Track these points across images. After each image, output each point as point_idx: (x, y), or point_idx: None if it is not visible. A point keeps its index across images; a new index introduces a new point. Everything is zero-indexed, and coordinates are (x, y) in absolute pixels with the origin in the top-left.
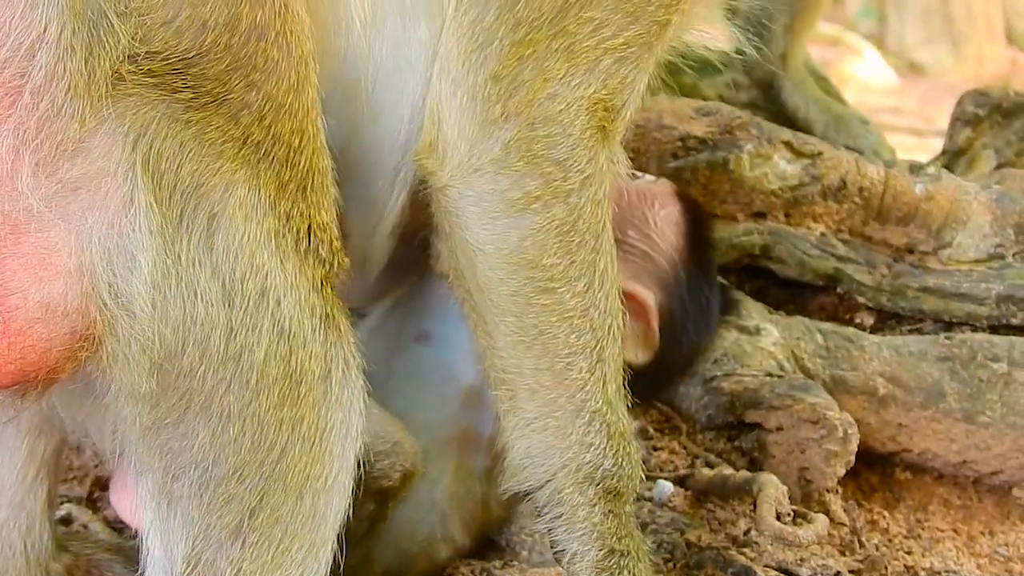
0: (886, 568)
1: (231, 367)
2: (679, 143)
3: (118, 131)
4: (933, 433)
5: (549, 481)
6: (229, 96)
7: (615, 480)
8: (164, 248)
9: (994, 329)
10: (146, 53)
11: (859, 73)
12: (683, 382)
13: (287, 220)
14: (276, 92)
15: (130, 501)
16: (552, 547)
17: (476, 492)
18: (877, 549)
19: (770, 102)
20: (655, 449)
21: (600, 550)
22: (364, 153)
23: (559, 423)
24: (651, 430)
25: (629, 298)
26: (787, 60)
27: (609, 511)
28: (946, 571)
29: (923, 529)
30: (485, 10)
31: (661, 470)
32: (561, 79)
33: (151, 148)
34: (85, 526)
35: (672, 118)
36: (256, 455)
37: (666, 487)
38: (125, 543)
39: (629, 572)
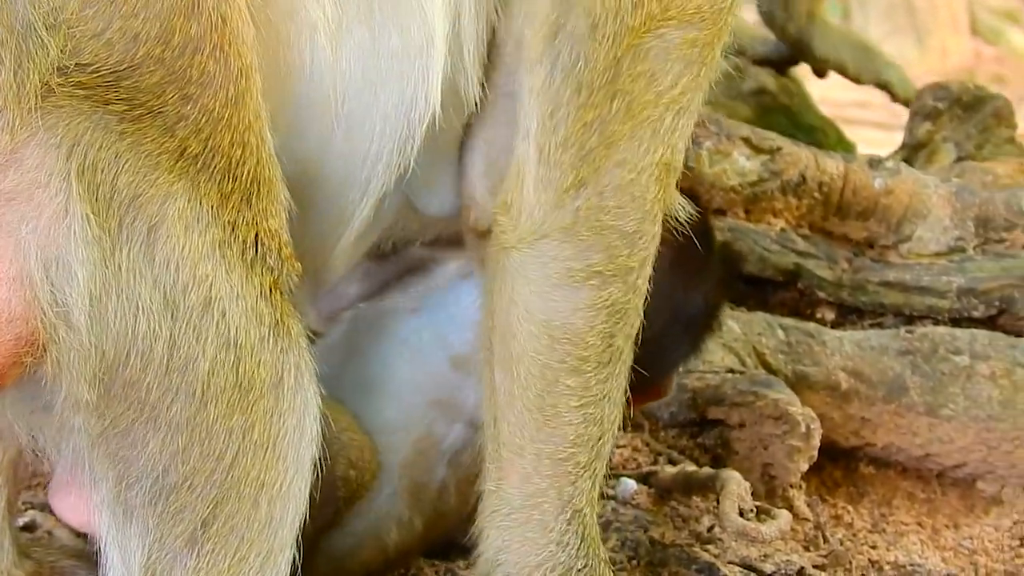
0: (851, 563)
1: (176, 378)
2: None
3: (50, 143)
4: (896, 427)
5: None
6: (164, 109)
7: None
8: (102, 260)
9: (955, 322)
10: (76, 65)
11: None
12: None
13: (232, 230)
14: (213, 105)
15: (71, 503)
16: None
17: (436, 470)
18: (841, 544)
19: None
20: (618, 447)
21: None
22: (335, 166)
23: (542, 517)
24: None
25: None
26: (814, 14)
27: None
28: (911, 565)
29: (887, 523)
30: (553, 71)
31: (624, 468)
32: (626, 144)
33: (85, 159)
34: (49, 532)
35: None
36: (206, 464)
37: (629, 485)
38: (89, 549)
39: None
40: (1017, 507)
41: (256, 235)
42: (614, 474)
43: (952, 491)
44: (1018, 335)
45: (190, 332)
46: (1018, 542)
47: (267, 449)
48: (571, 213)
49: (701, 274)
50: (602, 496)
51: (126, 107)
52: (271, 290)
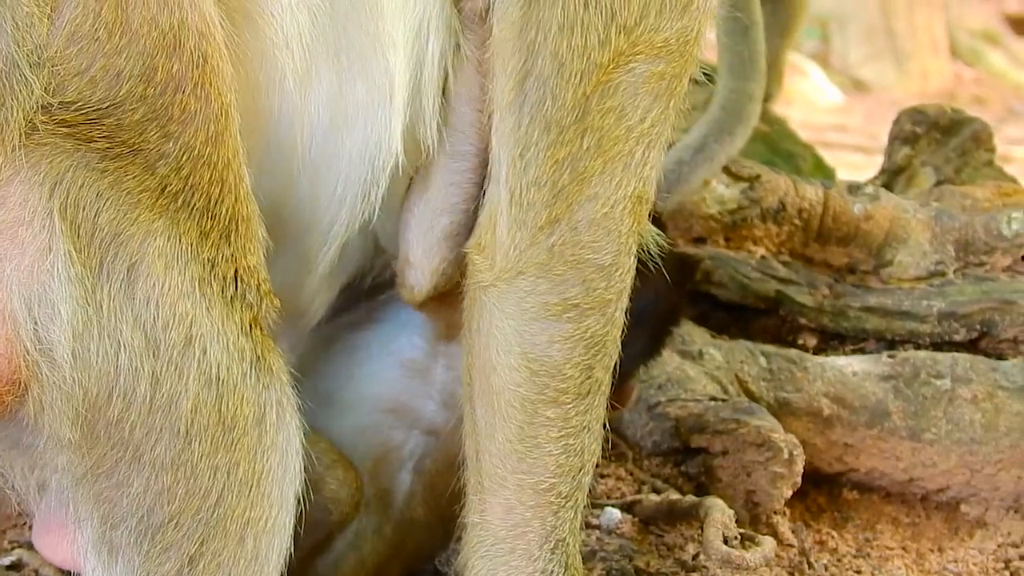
0: None
1: (159, 417)
2: None
3: (33, 180)
4: (879, 452)
5: None
6: (145, 146)
7: None
8: (84, 297)
9: (936, 346)
10: (60, 103)
11: (804, 92)
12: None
13: (212, 267)
14: (194, 143)
15: (52, 542)
16: None
17: (400, 477)
18: (826, 569)
19: None
20: (602, 476)
21: None
22: (300, 208)
23: (527, 547)
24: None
25: None
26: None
27: None
28: None
29: (872, 548)
30: (521, 115)
31: (608, 497)
32: (599, 179)
33: (68, 197)
34: (36, 571)
35: None
36: (192, 502)
37: (614, 514)
38: None
39: None
40: (1001, 530)
41: (235, 272)
42: (598, 503)
43: (936, 515)
44: (999, 358)
45: (172, 370)
46: (1002, 565)
47: (252, 486)
48: (546, 250)
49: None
50: (587, 526)
51: (108, 144)
52: (251, 326)
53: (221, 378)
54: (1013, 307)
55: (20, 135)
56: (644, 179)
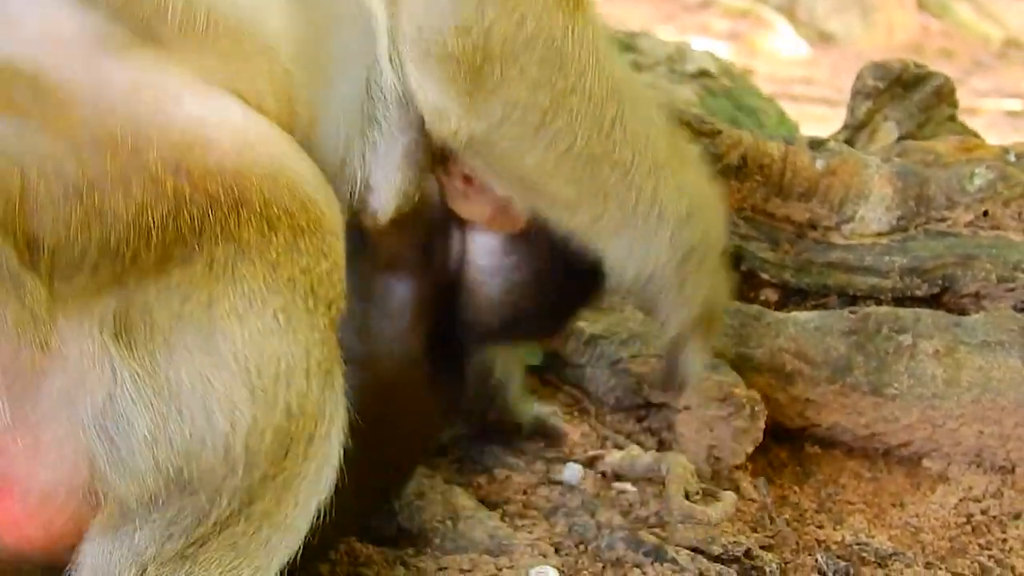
0: (797, 543)
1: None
2: None
3: (80, 331)
4: (841, 407)
5: (652, 273)
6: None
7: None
8: (154, 392)
9: (899, 301)
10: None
11: (770, 44)
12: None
13: (293, 286)
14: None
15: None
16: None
17: None
18: (788, 524)
19: None
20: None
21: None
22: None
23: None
24: (560, 413)
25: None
26: None
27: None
28: (857, 544)
29: (834, 503)
30: None
31: (571, 453)
32: None
33: (116, 322)
34: None
35: None
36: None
37: (576, 470)
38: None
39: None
40: (963, 484)
41: (311, 284)
42: (560, 459)
43: (898, 470)
44: (961, 313)
45: (266, 407)
46: (964, 519)
47: (285, 488)
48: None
49: None
50: (548, 481)
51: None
52: (327, 328)
53: (299, 407)
54: (975, 262)
55: (50, 313)
56: None
